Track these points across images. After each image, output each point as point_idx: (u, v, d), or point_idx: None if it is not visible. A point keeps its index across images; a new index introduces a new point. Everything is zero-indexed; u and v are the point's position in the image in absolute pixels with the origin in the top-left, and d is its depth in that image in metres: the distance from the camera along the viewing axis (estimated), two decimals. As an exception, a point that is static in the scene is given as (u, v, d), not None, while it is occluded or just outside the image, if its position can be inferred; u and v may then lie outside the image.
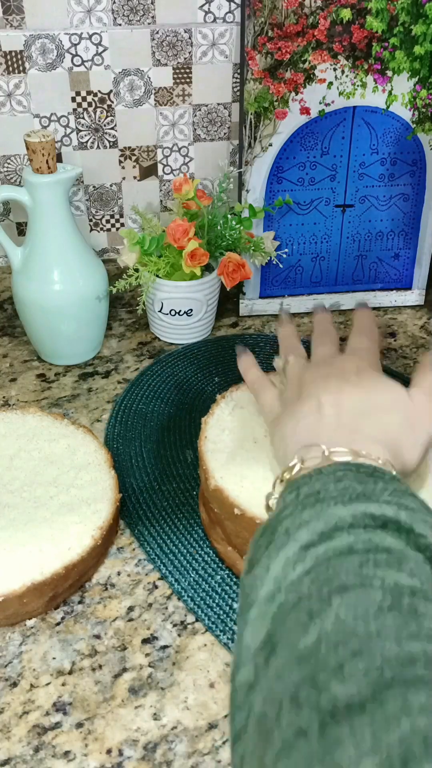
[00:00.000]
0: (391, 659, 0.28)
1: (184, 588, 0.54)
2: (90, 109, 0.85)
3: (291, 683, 0.29)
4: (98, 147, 0.88)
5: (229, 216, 0.78)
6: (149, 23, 0.81)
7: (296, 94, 0.76)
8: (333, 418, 0.46)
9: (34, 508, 0.56)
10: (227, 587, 0.54)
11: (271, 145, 0.78)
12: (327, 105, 0.77)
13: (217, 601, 0.53)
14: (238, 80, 0.85)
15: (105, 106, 0.85)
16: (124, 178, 0.91)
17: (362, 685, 0.27)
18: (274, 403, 0.53)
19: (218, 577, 0.55)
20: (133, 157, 0.89)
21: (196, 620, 0.52)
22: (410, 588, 0.31)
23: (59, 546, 0.53)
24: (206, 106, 0.87)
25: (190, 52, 0.83)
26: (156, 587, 0.55)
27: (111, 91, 0.85)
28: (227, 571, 0.56)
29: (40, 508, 0.56)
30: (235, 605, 0.53)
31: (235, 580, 0.55)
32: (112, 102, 0.85)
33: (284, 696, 0.29)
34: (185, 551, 0.57)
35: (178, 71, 0.84)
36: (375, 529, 0.35)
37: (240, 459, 0.56)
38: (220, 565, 0.56)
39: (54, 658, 0.50)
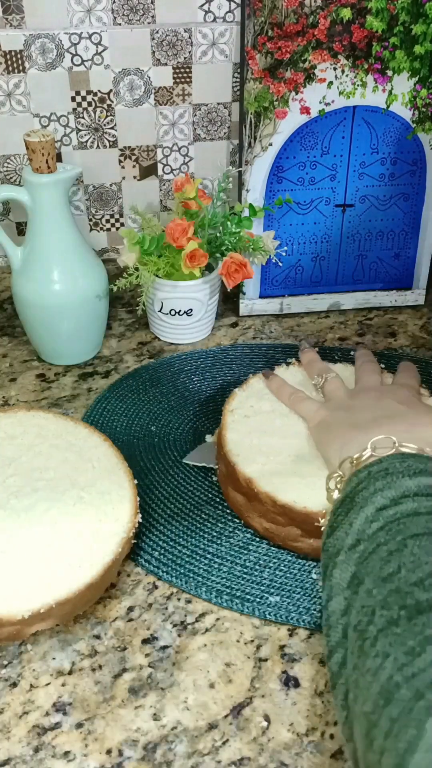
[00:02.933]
0: None
1: (181, 580, 0.55)
2: (90, 109, 0.85)
3: (380, 596, 0.38)
4: (98, 147, 0.88)
5: (228, 221, 0.78)
6: (149, 23, 0.81)
7: (296, 94, 0.76)
8: (390, 426, 0.54)
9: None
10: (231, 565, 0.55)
11: (271, 144, 0.78)
12: (327, 104, 0.77)
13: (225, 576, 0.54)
14: (238, 80, 0.85)
15: (105, 106, 0.85)
16: (123, 178, 0.91)
17: None
18: (317, 409, 0.61)
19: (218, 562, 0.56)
20: (133, 157, 0.89)
21: (196, 621, 0.52)
22: None
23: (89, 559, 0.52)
24: (206, 105, 0.87)
25: (190, 52, 0.83)
26: (156, 587, 0.55)
27: (111, 90, 0.85)
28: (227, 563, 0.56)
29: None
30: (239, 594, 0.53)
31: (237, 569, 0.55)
32: (112, 101, 0.85)
33: (375, 605, 0.38)
34: (184, 554, 0.57)
35: (178, 71, 0.84)
36: None
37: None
38: (217, 560, 0.56)
39: (54, 659, 0.50)
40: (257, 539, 0.58)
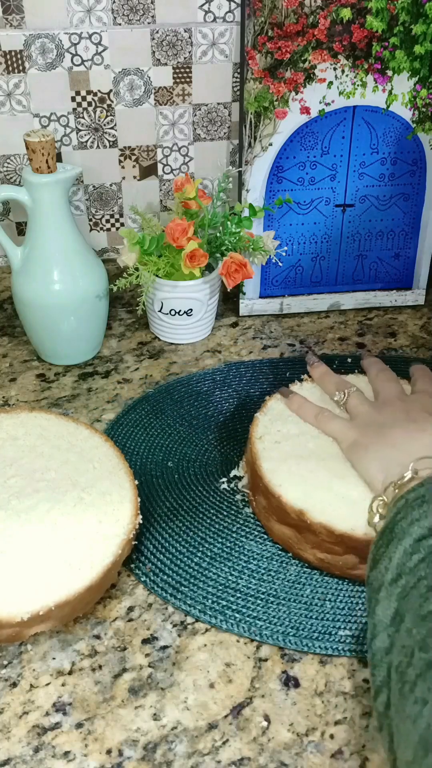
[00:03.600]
0: None
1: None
2: (90, 109, 0.85)
3: (419, 636, 0.38)
4: (98, 147, 0.88)
5: (228, 222, 0.78)
6: (149, 23, 0.81)
7: (296, 94, 0.76)
8: (425, 439, 0.53)
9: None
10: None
11: (271, 144, 0.78)
12: (327, 104, 0.77)
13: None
14: (238, 80, 0.85)
15: (105, 106, 0.85)
16: (123, 178, 0.91)
17: None
18: (347, 430, 0.59)
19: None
20: (133, 157, 0.89)
21: (197, 620, 0.52)
22: None
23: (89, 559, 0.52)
24: (206, 105, 0.87)
25: (190, 52, 0.83)
26: (156, 587, 0.55)
27: (111, 90, 0.85)
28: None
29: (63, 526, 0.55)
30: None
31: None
32: (112, 101, 0.85)
33: (414, 645, 0.37)
34: (239, 599, 0.55)
35: (178, 71, 0.84)
36: None
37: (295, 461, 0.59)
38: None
39: (54, 659, 0.50)
40: (308, 570, 0.56)
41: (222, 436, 0.69)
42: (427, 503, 0.45)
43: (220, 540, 0.58)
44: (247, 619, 0.52)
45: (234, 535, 0.59)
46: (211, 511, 0.61)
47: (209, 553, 0.57)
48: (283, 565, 0.56)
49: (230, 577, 0.55)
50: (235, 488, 0.63)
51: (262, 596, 0.54)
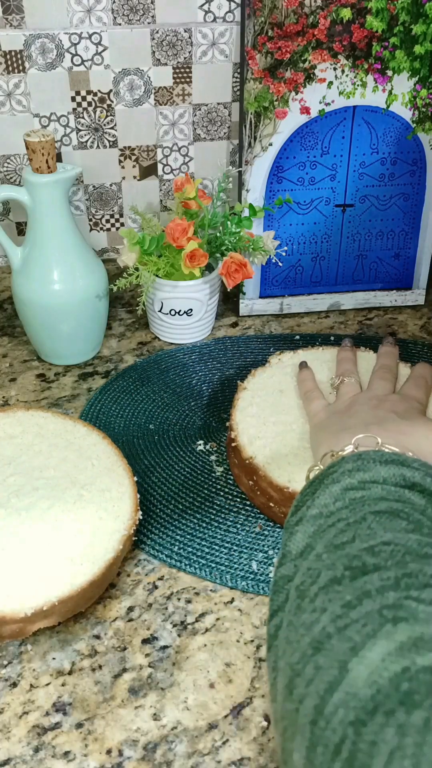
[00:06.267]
0: (413, 550, 0.36)
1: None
2: (90, 109, 0.85)
3: (328, 561, 0.37)
4: (98, 147, 0.88)
5: (228, 222, 0.78)
6: (149, 23, 0.81)
7: (296, 94, 0.76)
8: (378, 431, 0.53)
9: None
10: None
11: (271, 144, 0.78)
12: (327, 104, 0.77)
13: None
14: (238, 80, 0.85)
15: (105, 106, 0.85)
16: (123, 178, 0.91)
17: (388, 559, 0.35)
18: (320, 410, 0.62)
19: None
20: (133, 157, 0.89)
21: (196, 621, 0.52)
22: (429, 525, 0.39)
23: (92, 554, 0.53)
24: (206, 105, 0.87)
25: (190, 52, 0.83)
26: (156, 587, 0.55)
27: (111, 90, 0.85)
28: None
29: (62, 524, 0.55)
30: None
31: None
32: (112, 101, 0.85)
33: (322, 567, 0.37)
34: (204, 546, 0.58)
35: (178, 71, 0.84)
36: (404, 488, 0.43)
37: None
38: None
39: (54, 659, 0.50)
40: (272, 524, 0.59)
41: (203, 403, 0.73)
42: (362, 459, 0.45)
43: (191, 494, 0.63)
44: (210, 564, 0.56)
45: (205, 490, 0.63)
46: (186, 469, 0.65)
47: (180, 506, 0.61)
48: (248, 519, 0.60)
49: (198, 527, 0.59)
50: (210, 450, 0.67)
51: (227, 545, 0.58)
